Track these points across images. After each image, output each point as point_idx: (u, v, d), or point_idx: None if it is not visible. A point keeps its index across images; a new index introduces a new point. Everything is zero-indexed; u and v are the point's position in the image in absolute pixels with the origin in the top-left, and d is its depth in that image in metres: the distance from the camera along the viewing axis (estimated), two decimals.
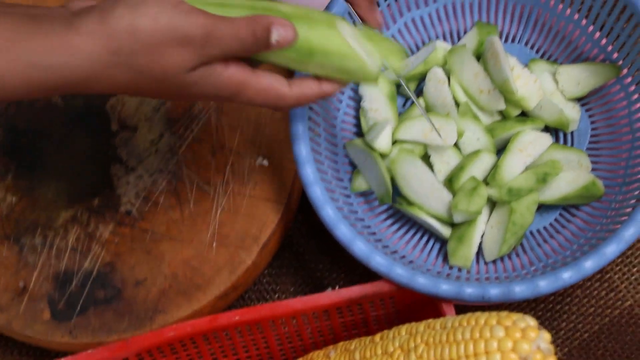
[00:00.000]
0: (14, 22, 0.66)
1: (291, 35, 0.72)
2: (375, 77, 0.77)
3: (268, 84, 0.74)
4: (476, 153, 0.93)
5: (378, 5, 0.96)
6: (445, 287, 0.84)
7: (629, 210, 0.87)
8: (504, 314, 0.76)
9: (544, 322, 0.96)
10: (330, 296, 0.88)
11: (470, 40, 0.98)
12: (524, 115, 0.97)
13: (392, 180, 0.94)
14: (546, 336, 0.73)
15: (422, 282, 0.85)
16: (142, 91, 0.71)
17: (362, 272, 0.97)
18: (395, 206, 0.95)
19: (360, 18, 0.81)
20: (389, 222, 0.96)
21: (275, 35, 0.71)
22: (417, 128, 0.94)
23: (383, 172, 0.92)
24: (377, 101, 0.96)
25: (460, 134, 0.94)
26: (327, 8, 0.92)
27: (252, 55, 0.72)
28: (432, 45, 0.98)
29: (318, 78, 0.76)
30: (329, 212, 0.87)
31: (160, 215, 0.97)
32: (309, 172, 0.88)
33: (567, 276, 0.83)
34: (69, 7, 0.71)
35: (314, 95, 0.76)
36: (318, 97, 0.76)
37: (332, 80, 0.76)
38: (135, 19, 0.67)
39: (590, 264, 0.83)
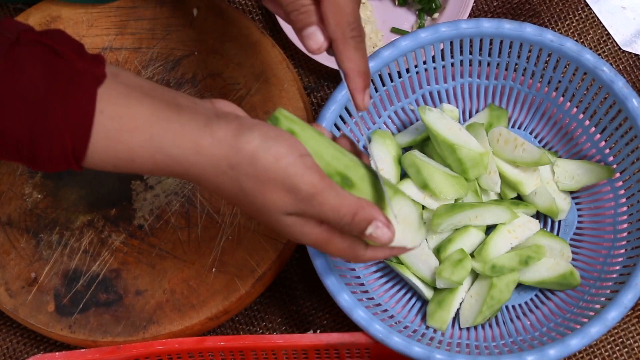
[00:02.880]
0: (154, 105, 0.66)
1: (387, 238, 0.72)
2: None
3: (349, 245, 0.73)
4: (465, 228, 0.93)
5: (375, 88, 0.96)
6: (417, 349, 0.85)
7: (598, 306, 0.87)
8: None
9: None
10: (311, 338, 0.88)
11: (481, 119, 0.98)
12: (519, 198, 0.96)
13: None
14: None
15: (397, 341, 0.85)
16: (239, 206, 0.71)
17: (345, 317, 0.97)
18: (386, 262, 0.95)
19: (350, 92, 0.79)
20: (378, 275, 0.96)
21: (372, 230, 0.71)
22: (416, 189, 0.94)
23: None
24: (384, 161, 0.96)
25: (459, 199, 0.94)
26: (329, 101, 0.92)
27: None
28: (440, 107, 0.98)
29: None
30: (322, 261, 0.87)
31: (169, 234, 0.97)
32: None
33: (531, 359, 0.83)
34: (216, 105, 0.71)
35: (384, 257, 0.77)
36: (387, 257, 0.77)
37: (401, 248, 0.76)
38: (261, 148, 0.67)
39: (554, 352, 0.83)
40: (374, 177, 0.75)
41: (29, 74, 0.63)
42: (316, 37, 0.77)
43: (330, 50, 0.78)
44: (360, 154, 0.77)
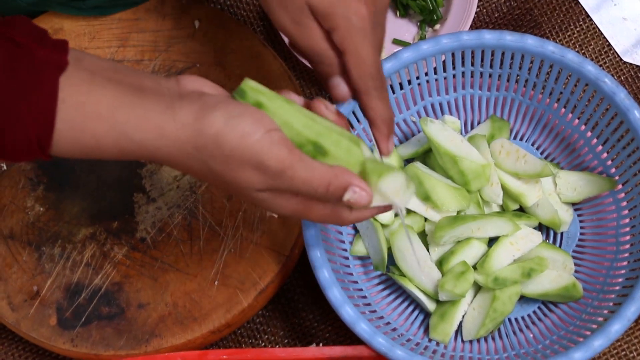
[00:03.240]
0: (117, 91, 0.66)
1: (366, 201, 0.70)
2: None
3: (332, 210, 0.72)
4: (467, 240, 0.92)
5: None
6: None
7: (601, 319, 0.87)
8: None
9: None
10: (314, 352, 0.88)
11: (483, 131, 0.98)
12: (521, 210, 0.96)
13: (389, 249, 0.94)
14: None
15: (399, 354, 0.85)
16: (212, 184, 0.71)
17: (348, 329, 0.97)
18: (388, 274, 0.95)
19: (375, 139, 0.80)
20: (381, 287, 0.96)
21: (349, 196, 0.70)
22: (419, 201, 0.94)
23: (382, 242, 0.92)
24: None
25: (461, 210, 0.94)
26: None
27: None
28: (442, 119, 0.98)
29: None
30: (325, 274, 0.87)
31: (172, 247, 0.97)
32: (312, 234, 0.87)
33: None
34: (181, 83, 0.70)
35: (371, 215, 0.75)
36: (374, 215, 0.75)
37: (387, 206, 0.74)
38: (225, 129, 0.66)
39: None
40: (350, 141, 0.72)
41: None
42: (340, 88, 0.78)
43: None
44: (341, 117, 0.75)
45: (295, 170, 0.68)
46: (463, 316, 0.93)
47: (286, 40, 0.87)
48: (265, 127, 0.67)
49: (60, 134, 0.65)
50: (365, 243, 0.95)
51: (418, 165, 0.94)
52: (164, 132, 0.66)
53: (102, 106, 0.65)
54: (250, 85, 0.70)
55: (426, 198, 0.92)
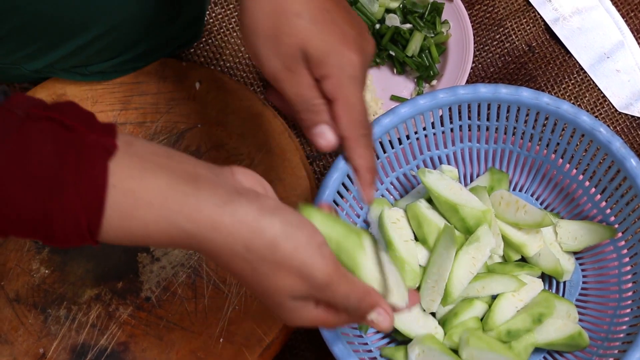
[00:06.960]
0: (170, 179, 0.65)
1: (386, 326, 0.72)
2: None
3: (345, 321, 0.73)
4: (470, 301, 0.92)
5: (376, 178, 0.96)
6: None
7: None
8: None
9: None
10: None
11: (482, 183, 0.98)
12: (523, 260, 0.96)
13: None
14: None
15: None
16: (244, 283, 0.69)
17: None
18: (393, 335, 0.94)
19: (358, 186, 0.80)
20: (385, 340, 0.95)
21: (373, 317, 0.71)
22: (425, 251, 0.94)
23: None
24: None
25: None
26: (331, 169, 0.92)
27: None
28: (440, 168, 0.98)
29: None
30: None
31: (176, 306, 0.97)
32: None
33: None
34: (236, 177, 0.69)
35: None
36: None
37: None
38: (282, 236, 0.66)
39: None
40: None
41: (40, 151, 0.62)
42: (326, 136, 0.79)
43: (340, 147, 0.79)
44: None
45: (338, 285, 0.69)
46: None
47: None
48: (318, 241, 0.68)
49: (109, 221, 0.63)
50: None
51: (420, 206, 0.94)
52: (218, 226, 0.65)
53: (153, 194, 0.64)
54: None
55: (423, 241, 0.92)
